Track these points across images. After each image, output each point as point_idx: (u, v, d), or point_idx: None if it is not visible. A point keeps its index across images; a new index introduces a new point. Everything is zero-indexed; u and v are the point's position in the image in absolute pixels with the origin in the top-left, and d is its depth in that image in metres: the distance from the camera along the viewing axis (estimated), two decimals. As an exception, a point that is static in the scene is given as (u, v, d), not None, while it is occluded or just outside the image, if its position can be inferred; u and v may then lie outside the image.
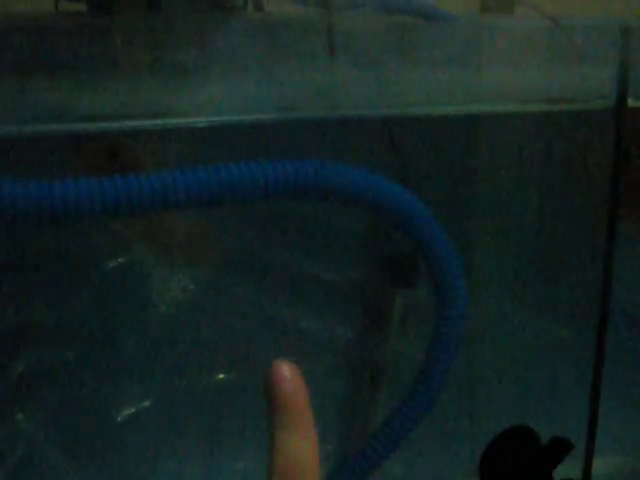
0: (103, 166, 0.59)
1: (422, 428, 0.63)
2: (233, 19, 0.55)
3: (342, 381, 0.77)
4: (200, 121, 0.54)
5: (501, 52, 0.52)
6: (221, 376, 0.75)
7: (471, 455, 0.60)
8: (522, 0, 0.65)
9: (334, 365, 0.77)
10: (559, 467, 0.52)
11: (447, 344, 0.55)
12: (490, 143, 0.65)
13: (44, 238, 0.62)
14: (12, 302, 0.65)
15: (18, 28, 0.50)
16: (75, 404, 0.71)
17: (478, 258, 0.71)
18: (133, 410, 0.74)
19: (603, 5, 0.60)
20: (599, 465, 0.79)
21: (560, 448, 0.47)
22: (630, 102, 0.50)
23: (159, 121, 0.53)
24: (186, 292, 0.72)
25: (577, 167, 0.60)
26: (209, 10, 0.54)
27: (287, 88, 0.54)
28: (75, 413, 0.71)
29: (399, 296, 0.71)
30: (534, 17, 0.58)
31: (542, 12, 0.56)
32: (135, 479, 0.74)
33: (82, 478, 0.73)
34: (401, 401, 0.59)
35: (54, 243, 0.64)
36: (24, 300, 0.66)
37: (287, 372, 0.35)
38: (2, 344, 0.66)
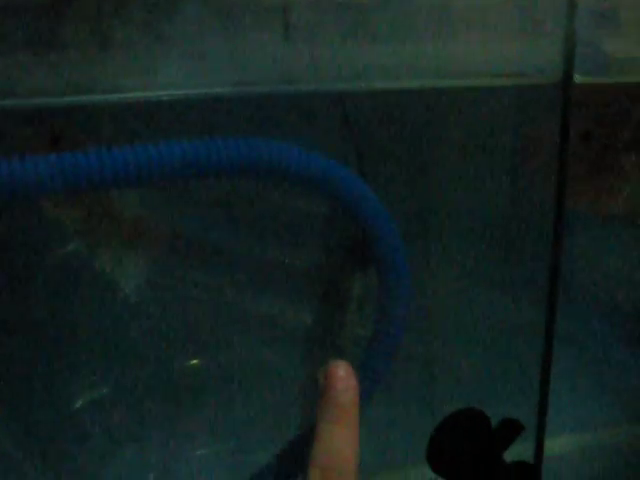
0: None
1: (380, 409, 0.64)
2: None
3: (302, 364, 0.77)
4: (153, 96, 0.54)
5: (451, 26, 0.53)
6: (183, 362, 0.74)
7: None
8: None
9: (294, 349, 0.77)
10: (511, 449, 0.52)
11: (393, 322, 0.56)
12: (441, 118, 0.65)
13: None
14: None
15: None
16: (32, 393, 0.70)
17: (433, 235, 0.71)
18: (92, 397, 0.74)
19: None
20: (552, 445, 0.81)
21: (510, 430, 0.47)
22: (578, 78, 0.51)
23: (115, 96, 0.52)
24: (142, 279, 0.71)
25: (526, 142, 0.61)
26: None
27: (243, 64, 0.54)
28: (32, 402, 0.70)
29: (358, 279, 0.70)
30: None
31: None
32: (95, 467, 0.74)
33: (41, 467, 0.72)
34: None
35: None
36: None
37: (342, 372, 0.38)
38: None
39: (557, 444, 0.82)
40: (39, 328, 0.68)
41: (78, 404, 0.74)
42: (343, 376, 0.38)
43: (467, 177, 0.67)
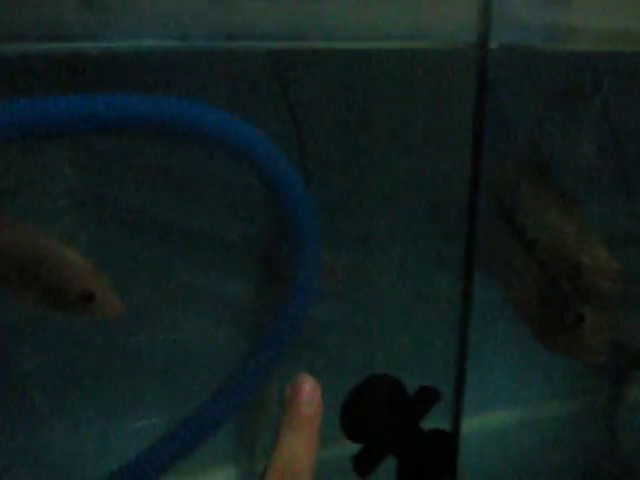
0: None
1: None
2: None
3: (238, 336, 0.78)
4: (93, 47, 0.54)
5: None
6: (121, 337, 0.74)
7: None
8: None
9: (230, 320, 0.77)
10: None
11: (302, 289, 0.57)
12: (359, 79, 0.66)
13: None
14: None
15: None
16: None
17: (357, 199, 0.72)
18: (28, 368, 0.73)
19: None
20: (474, 422, 0.82)
21: (428, 398, 0.47)
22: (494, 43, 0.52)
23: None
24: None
25: (441, 103, 0.63)
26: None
27: (181, 18, 0.54)
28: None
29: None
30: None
31: None
32: (30, 437, 0.73)
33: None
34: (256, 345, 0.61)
35: None
36: None
37: (308, 386, 0.41)
38: None
39: (478, 421, 0.84)
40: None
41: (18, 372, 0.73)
42: (308, 390, 0.41)
43: (390, 144, 0.68)
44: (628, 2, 0.62)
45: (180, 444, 0.66)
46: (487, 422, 0.88)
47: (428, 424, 0.47)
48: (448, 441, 0.47)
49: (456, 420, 0.62)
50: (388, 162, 0.69)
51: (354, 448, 0.45)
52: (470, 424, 0.68)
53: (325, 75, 0.62)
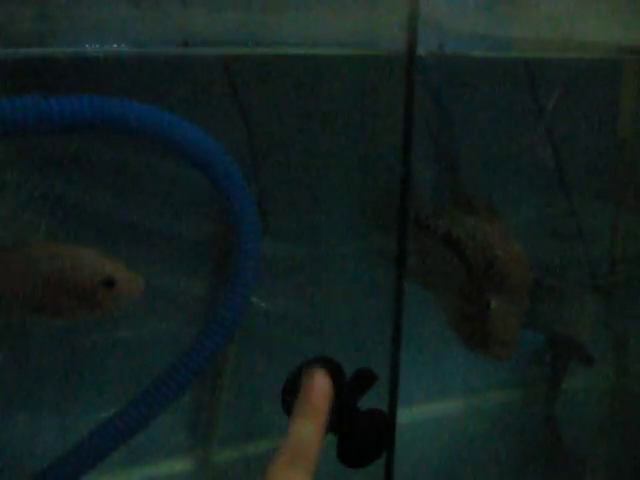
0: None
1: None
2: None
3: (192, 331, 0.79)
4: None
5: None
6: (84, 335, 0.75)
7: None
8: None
9: (188, 320, 0.79)
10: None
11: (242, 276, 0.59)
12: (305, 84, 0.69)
13: None
14: None
15: None
16: None
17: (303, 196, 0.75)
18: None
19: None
20: (414, 412, 0.85)
21: (364, 379, 0.50)
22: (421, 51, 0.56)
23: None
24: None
25: (372, 107, 0.66)
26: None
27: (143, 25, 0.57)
28: None
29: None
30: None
31: None
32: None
33: None
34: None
35: None
36: None
37: (320, 378, 0.46)
38: None
39: (416, 411, 0.88)
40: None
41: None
42: (320, 382, 0.45)
43: (328, 144, 0.71)
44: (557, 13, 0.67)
45: (118, 432, 0.65)
46: (431, 411, 0.91)
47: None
48: (384, 419, 0.51)
49: (392, 405, 0.66)
50: (328, 161, 0.72)
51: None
52: (409, 414, 0.71)
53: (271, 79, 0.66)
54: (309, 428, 0.43)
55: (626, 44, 0.75)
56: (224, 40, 0.59)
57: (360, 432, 0.50)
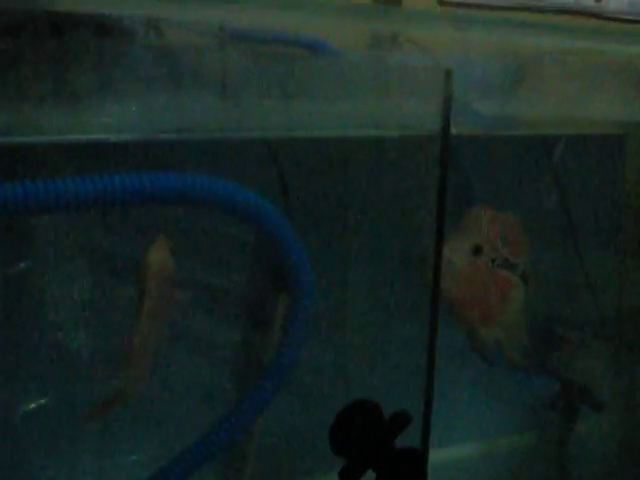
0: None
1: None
2: (133, 45, 0.61)
3: (230, 379, 0.83)
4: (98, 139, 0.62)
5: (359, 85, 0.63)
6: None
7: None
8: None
9: (223, 365, 0.83)
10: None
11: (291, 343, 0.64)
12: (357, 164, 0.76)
13: None
14: None
15: None
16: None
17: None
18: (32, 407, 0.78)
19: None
20: (439, 454, 0.88)
21: (400, 420, 0.55)
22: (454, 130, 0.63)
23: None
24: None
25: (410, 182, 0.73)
26: (110, 37, 0.60)
27: (183, 112, 0.63)
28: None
29: (281, 301, 0.76)
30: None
31: (425, 51, 0.66)
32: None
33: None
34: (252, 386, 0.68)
35: None
36: None
37: None
38: None
39: (444, 453, 0.91)
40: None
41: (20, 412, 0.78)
42: None
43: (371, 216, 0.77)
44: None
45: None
46: (450, 454, 0.95)
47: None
48: (418, 457, 0.56)
49: (424, 443, 0.70)
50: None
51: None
52: (433, 456, 0.75)
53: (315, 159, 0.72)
54: None
55: (628, 119, 0.83)
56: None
57: (396, 468, 0.55)
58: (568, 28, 0.77)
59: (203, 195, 0.59)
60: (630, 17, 0.79)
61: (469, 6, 0.69)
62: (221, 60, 0.64)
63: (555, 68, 0.76)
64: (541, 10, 0.74)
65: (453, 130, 0.64)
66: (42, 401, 0.78)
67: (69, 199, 0.57)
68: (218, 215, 0.68)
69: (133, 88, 0.60)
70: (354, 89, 0.65)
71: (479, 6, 0.69)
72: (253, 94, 0.64)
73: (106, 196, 0.58)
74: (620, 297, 0.99)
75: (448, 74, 0.60)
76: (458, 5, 0.69)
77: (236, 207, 0.61)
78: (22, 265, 0.75)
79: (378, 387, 0.82)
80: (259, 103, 0.63)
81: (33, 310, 0.75)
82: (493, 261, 0.77)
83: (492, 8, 0.71)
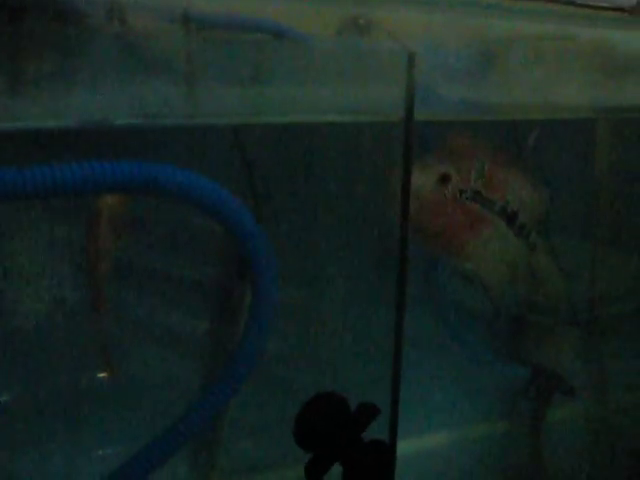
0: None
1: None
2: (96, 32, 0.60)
3: (197, 369, 0.83)
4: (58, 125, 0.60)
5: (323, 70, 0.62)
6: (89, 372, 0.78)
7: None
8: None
9: (190, 355, 0.82)
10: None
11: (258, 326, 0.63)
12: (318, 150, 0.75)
13: None
14: None
15: None
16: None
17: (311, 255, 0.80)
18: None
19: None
20: (407, 444, 0.88)
21: (367, 413, 0.54)
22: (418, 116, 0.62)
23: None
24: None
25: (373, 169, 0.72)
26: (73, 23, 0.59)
27: (146, 97, 0.61)
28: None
29: (248, 291, 0.75)
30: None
31: (394, 38, 0.65)
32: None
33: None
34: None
35: None
36: None
37: None
38: None
39: (415, 442, 0.91)
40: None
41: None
42: None
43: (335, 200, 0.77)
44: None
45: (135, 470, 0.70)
46: (421, 444, 0.94)
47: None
48: (385, 450, 0.55)
49: (392, 435, 0.70)
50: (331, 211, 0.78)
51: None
52: (405, 446, 0.74)
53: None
54: None
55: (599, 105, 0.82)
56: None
57: (363, 462, 0.54)
58: (540, 12, 0.76)
59: (159, 184, 0.58)
60: (603, 4, 0.78)
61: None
62: (185, 46, 0.62)
63: (526, 52, 0.75)
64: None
65: (417, 116, 0.63)
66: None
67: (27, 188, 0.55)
68: (183, 205, 0.66)
69: (94, 74, 0.59)
70: (316, 74, 0.64)
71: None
72: (217, 80, 0.62)
73: (65, 185, 0.56)
74: (592, 282, 0.99)
75: (411, 58, 0.59)
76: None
77: (192, 196, 0.59)
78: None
79: (347, 377, 0.81)
80: (223, 89, 0.62)
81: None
82: (461, 192, 0.75)
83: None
